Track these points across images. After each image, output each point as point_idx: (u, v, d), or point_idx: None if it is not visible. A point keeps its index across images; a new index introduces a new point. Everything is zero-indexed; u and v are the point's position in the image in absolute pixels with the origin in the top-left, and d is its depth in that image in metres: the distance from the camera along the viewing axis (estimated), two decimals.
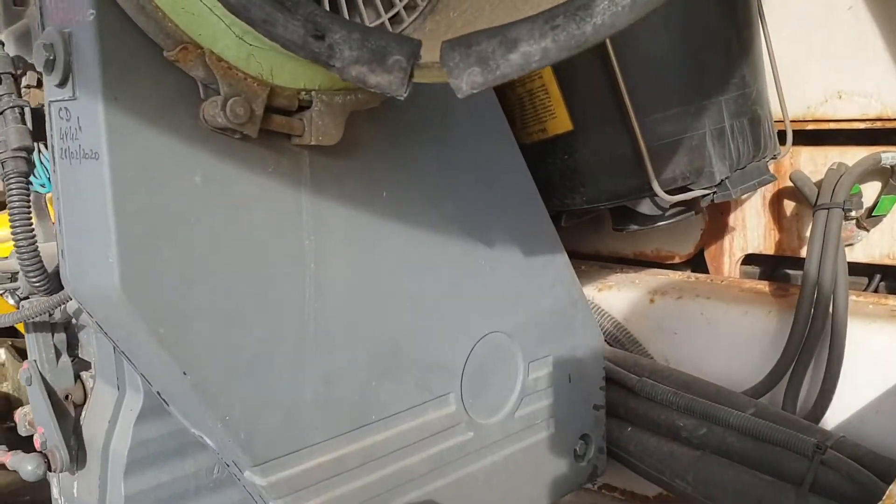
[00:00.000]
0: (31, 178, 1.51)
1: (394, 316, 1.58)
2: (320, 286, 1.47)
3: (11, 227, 1.30)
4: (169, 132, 1.28)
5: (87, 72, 1.23)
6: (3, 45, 1.40)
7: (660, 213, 2.01)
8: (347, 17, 1.48)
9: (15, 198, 1.29)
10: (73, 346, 1.71)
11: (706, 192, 1.93)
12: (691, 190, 1.93)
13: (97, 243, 1.26)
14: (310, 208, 1.45)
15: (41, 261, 1.36)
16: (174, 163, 1.29)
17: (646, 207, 2.01)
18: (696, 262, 2.67)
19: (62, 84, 1.27)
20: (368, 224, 1.53)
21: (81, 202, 1.29)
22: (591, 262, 2.78)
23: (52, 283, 1.39)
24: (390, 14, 1.55)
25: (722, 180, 1.92)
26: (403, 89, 0.92)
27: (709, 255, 2.60)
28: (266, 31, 0.94)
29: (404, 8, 1.57)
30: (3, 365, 1.84)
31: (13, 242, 1.31)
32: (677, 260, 2.65)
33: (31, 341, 1.64)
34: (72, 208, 1.31)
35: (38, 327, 1.63)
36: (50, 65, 1.25)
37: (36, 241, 1.33)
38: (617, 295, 2.54)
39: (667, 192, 1.89)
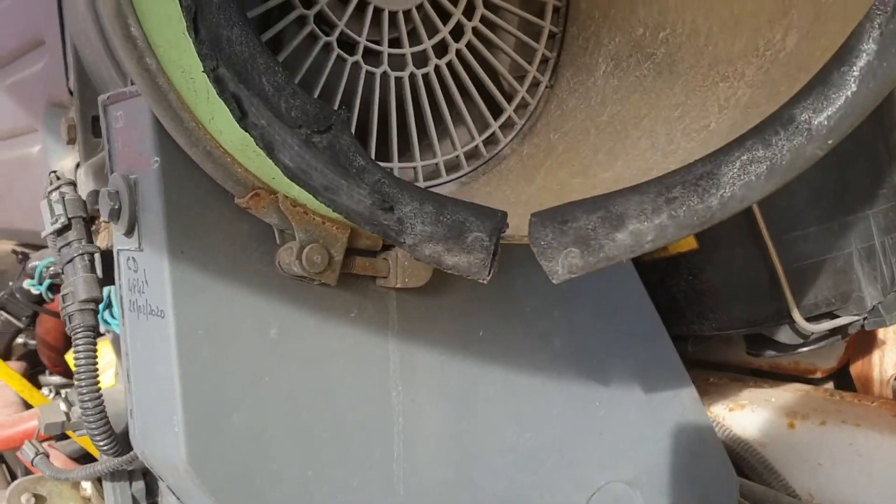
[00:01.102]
0: (109, 318, 1.43)
1: (494, 473, 1.40)
2: (410, 443, 1.30)
3: (77, 389, 1.20)
4: (240, 283, 1.16)
5: (152, 223, 1.13)
6: (76, 185, 1.33)
7: (801, 341, 1.77)
8: (436, 137, 1.35)
9: (81, 356, 1.19)
10: (152, 491, 1.59)
11: (855, 318, 1.67)
12: (838, 317, 1.68)
13: (164, 408, 1.14)
14: (397, 356, 1.30)
15: (108, 424, 1.26)
16: (247, 316, 1.16)
17: (785, 336, 1.76)
18: (841, 376, 2.37)
19: (129, 234, 1.17)
20: (464, 369, 1.36)
21: (149, 361, 1.18)
22: (719, 372, 2.51)
23: (121, 444, 1.28)
24: (485, 135, 1.41)
25: (874, 306, 1.66)
26: (486, 272, 0.76)
27: (855, 370, 2.29)
28: (328, 199, 0.80)
29: (500, 128, 1.43)
30: (90, 500, 1.73)
31: (79, 405, 1.21)
32: (819, 375, 2.35)
33: (109, 490, 1.53)
34: (140, 366, 1.21)
35: (115, 476, 1.52)
36: (115, 214, 1.16)
37: (103, 403, 1.23)
38: (751, 416, 2.26)
39: (809, 319, 1.65)
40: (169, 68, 1.05)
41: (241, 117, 0.84)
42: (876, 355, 2.24)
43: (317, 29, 1.23)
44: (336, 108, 1.24)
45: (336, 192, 0.80)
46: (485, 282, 0.77)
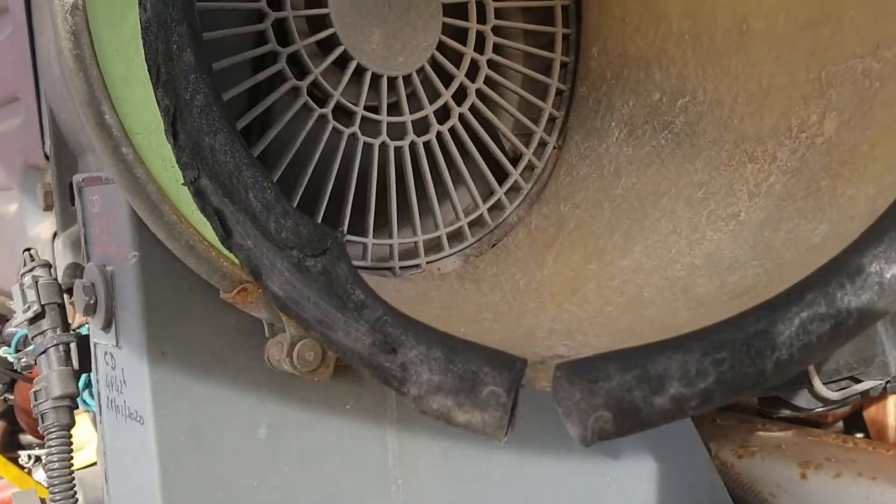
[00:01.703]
0: (88, 399, 1.33)
1: None
2: None
3: (50, 494, 1.10)
4: (226, 382, 1.07)
5: (130, 321, 1.03)
6: (51, 267, 1.23)
7: (819, 405, 1.68)
8: (437, 204, 1.26)
9: (55, 459, 1.09)
10: None
11: (877, 382, 1.59)
12: (859, 381, 1.60)
13: None
14: (396, 446, 1.20)
15: None
16: (233, 417, 1.07)
17: (802, 400, 1.68)
18: (852, 418, 2.29)
19: (105, 329, 1.08)
20: (468, 455, 1.27)
21: (128, 465, 1.08)
22: (727, 413, 2.43)
23: None
24: (490, 204, 1.32)
25: None
26: (503, 432, 0.66)
27: (868, 415, 2.21)
28: (322, 334, 0.71)
29: (506, 192, 1.34)
30: None
31: None
32: (830, 419, 2.27)
33: None
34: (118, 468, 1.11)
35: None
36: (91, 309, 1.06)
37: None
38: (761, 464, 2.17)
39: (828, 384, 1.57)
40: (147, 157, 0.95)
41: (225, 236, 0.75)
42: (891, 402, 2.16)
43: (311, 101, 1.14)
44: (332, 181, 1.17)
45: (331, 327, 0.71)
46: (501, 443, 0.67)
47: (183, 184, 0.76)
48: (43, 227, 1.43)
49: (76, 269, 1.29)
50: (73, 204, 1.35)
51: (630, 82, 1.25)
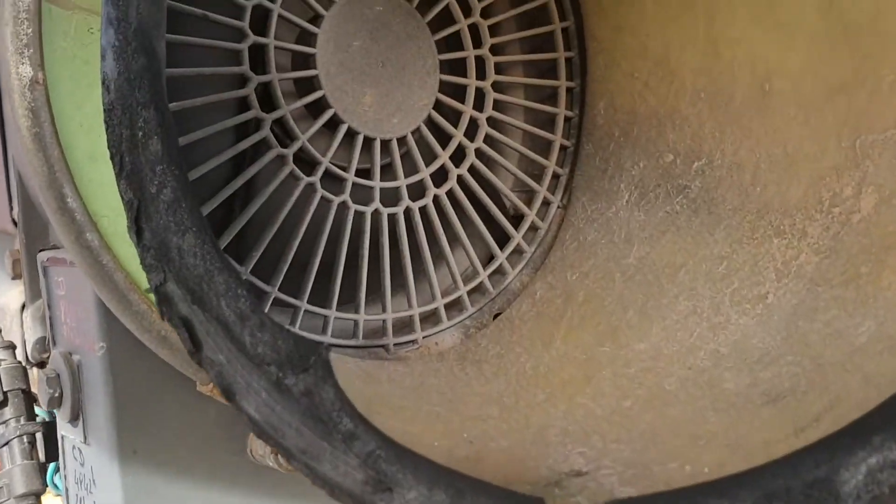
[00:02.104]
0: (59, 482, 1.23)
1: None
2: None
3: None
4: (205, 479, 0.97)
5: (98, 417, 0.94)
6: (15, 349, 1.14)
7: None
8: (434, 272, 1.17)
9: None
10: None
11: None
12: None
13: None
14: None
15: None
16: None
17: None
18: None
19: (73, 422, 0.98)
20: None
21: None
22: None
23: None
24: (491, 270, 1.23)
25: None
26: None
27: None
28: (307, 466, 0.61)
29: (508, 257, 1.25)
30: None
31: None
32: None
33: None
34: None
35: None
36: (56, 402, 0.97)
37: None
38: None
39: None
40: (114, 242, 0.87)
41: (194, 350, 0.65)
42: None
43: (297, 170, 1.05)
44: (320, 253, 1.08)
45: (316, 458, 0.61)
46: None
47: (147, 290, 0.67)
48: (11, 295, 1.34)
49: (45, 344, 1.20)
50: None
51: (640, 141, 1.16)
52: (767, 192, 0.99)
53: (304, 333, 1.03)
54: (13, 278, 1.31)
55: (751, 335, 0.88)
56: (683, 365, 0.90)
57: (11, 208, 1.28)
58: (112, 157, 0.71)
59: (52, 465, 1.17)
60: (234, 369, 0.65)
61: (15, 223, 1.28)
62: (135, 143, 0.70)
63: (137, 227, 0.69)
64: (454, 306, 1.21)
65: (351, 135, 1.10)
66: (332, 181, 1.10)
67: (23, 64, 0.83)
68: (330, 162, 1.08)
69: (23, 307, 1.29)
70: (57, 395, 0.96)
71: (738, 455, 0.64)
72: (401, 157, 1.15)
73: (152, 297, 0.87)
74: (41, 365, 1.22)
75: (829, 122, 0.94)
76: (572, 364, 0.99)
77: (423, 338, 1.14)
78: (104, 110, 0.72)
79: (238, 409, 0.65)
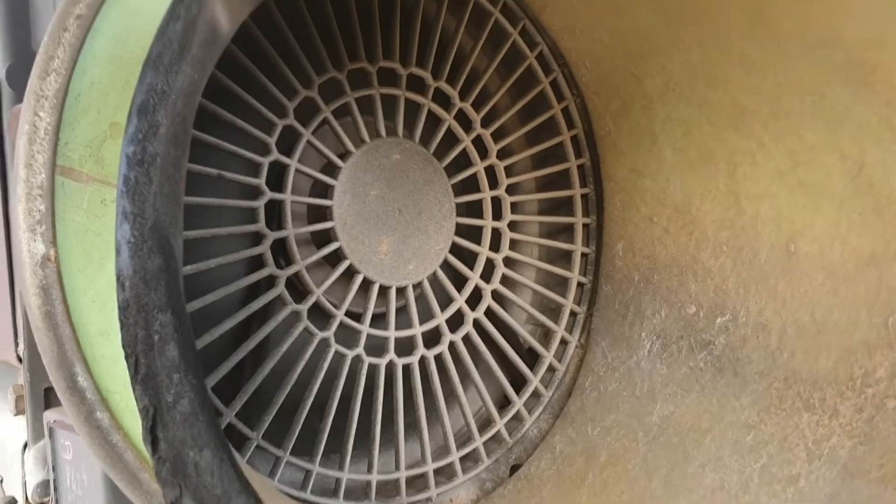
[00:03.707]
0: None
1: None
2: None
3: None
4: None
5: None
6: (16, 503, 1.10)
7: None
8: (448, 424, 1.13)
9: None
10: None
11: None
12: None
13: None
14: None
15: None
16: None
17: None
18: None
19: None
20: None
21: None
22: None
23: None
24: (508, 417, 1.20)
25: None
26: None
27: None
28: None
29: (525, 402, 1.22)
30: None
31: None
32: None
33: None
34: None
35: None
36: None
37: None
38: None
39: None
40: (125, 419, 0.84)
41: None
42: None
43: (312, 325, 1.02)
44: (333, 411, 1.05)
45: None
46: None
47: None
48: (14, 432, 1.31)
49: (47, 488, 1.17)
50: (48, 406, 1.24)
51: (661, 289, 1.14)
52: (795, 359, 0.97)
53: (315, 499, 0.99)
54: (16, 414, 1.28)
55: None
56: None
57: (17, 344, 1.26)
58: (127, 358, 0.69)
59: None
60: None
61: (20, 359, 1.25)
62: (150, 345, 0.68)
63: (153, 437, 0.67)
64: (469, 457, 1.17)
65: (366, 284, 1.08)
66: (346, 332, 1.07)
67: (35, 241, 0.81)
68: (343, 316, 1.05)
69: (24, 446, 1.26)
70: None
71: None
72: (415, 300, 1.13)
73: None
74: None
75: (859, 294, 0.92)
76: None
77: (438, 495, 1.11)
78: (119, 308, 0.70)
79: None
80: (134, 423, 0.85)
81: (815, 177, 0.99)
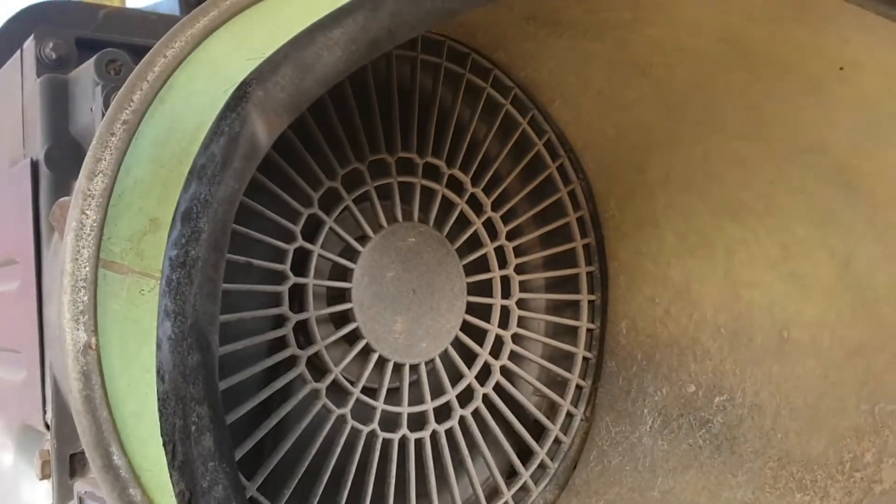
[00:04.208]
0: None
1: None
2: None
3: None
4: None
5: None
6: None
7: None
8: (457, 489, 1.18)
9: None
10: None
11: None
12: None
13: None
14: None
15: None
16: None
17: None
18: None
19: None
20: None
21: None
22: None
23: None
24: (515, 489, 1.25)
25: None
26: None
27: None
28: None
29: (532, 474, 1.27)
30: None
31: None
32: None
33: None
34: None
35: None
36: None
37: None
38: None
39: None
40: (156, 495, 0.89)
41: None
42: None
43: (329, 403, 1.08)
44: (349, 486, 1.10)
45: None
46: None
47: None
48: (38, 495, 1.35)
49: None
50: (72, 478, 1.28)
51: (663, 368, 1.20)
52: (788, 440, 1.02)
53: None
54: (41, 479, 1.33)
55: None
56: None
57: (45, 412, 1.31)
58: (165, 445, 0.75)
59: None
60: None
61: (47, 426, 1.31)
62: (187, 434, 0.74)
63: None
64: None
65: (381, 362, 1.14)
66: (361, 406, 1.13)
67: (77, 330, 0.87)
68: (359, 395, 1.11)
69: None
70: None
71: None
72: (427, 374, 1.19)
73: None
74: None
75: (848, 382, 0.97)
76: None
77: None
78: (158, 398, 0.76)
79: None
80: (164, 498, 0.90)
81: (806, 269, 1.05)
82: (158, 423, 0.89)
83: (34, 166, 1.40)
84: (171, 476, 0.73)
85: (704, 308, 1.17)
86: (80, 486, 1.04)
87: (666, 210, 1.22)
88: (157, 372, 0.75)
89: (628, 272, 1.29)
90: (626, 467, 1.17)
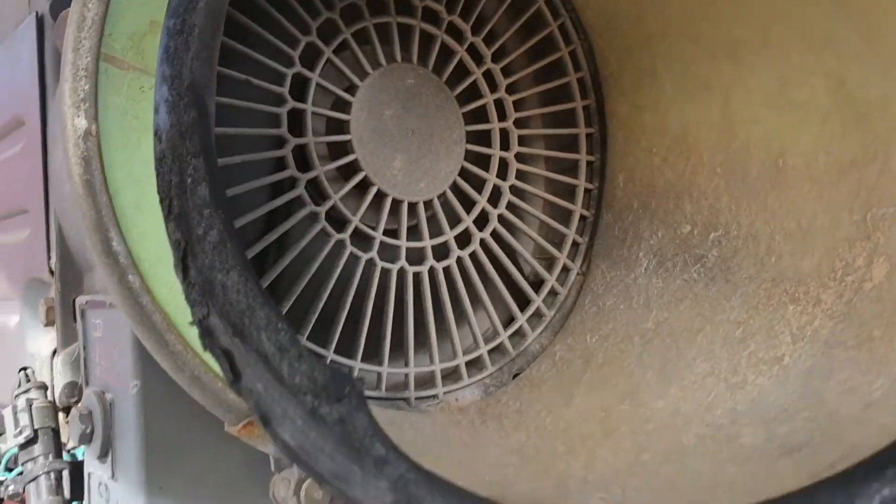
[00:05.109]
0: None
1: None
2: None
3: None
4: None
5: (128, 453, 0.97)
6: (47, 389, 1.16)
7: None
8: (456, 331, 1.20)
9: None
10: None
11: None
12: None
13: None
14: None
15: None
16: None
17: None
18: None
19: (101, 459, 1.01)
20: None
21: None
22: None
23: None
24: (511, 331, 1.26)
25: None
26: None
27: None
28: (338, 490, 0.64)
29: (528, 320, 1.28)
30: None
31: None
32: None
33: None
34: None
35: None
36: (86, 438, 1.00)
37: None
38: None
39: None
40: (154, 285, 0.91)
41: (234, 379, 0.69)
42: None
43: (329, 226, 1.10)
44: (348, 306, 1.12)
45: (347, 482, 0.64)
46: None
47: (191, 323, 0.71)
48: (43, 342, 1.38)
49: (74, 389, 1.23)
50: (76, 321, 1.30)
51: (659, 213, 1.21)
52: (782, 262, 1.03)
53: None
54: (46, 325, 1.35)
55: (767, 394, 0.90)
56: (702, 422, 0.92)
57: (49, 257, 1.33)
58: (161, 202, 0.76)
59: None
60: (272, 398, 0.68)
61: (52, 272, 1.33)
62: (183, 188, 0.75)
63: (184, 266, 0.73)
64: (474, 365, 1.23)
65: (380, 197, 1.15)
66: (361, 240, 1.14)
67: (78, 117, 0.89)
68: (359, 222, 1.12)
69: (54, 353, 1.33)
70: (88, 430, 0.98)
71: (756, 499, 0.66)
72: (427, 220, 1.20)
73: (188, 336, 0.91)
74: (67, 410, 1.24)
75: (841, 197, 0.98)
76: (591, 420, 1.01)
77: (444, 393, 1.17)
78: (155, 159, 0.77)
79: (273, 436, 0.68)
80: (161, 290, 0.92)
81: (803, 96, 1.05)
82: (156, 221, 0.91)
83: (39, 21, 1.41)
84: (167, 228, 0.74)
85: (701, 151, 1.17)
86: (81, 298, 1.06)
87: (664, 59, 1.22)
88: (155, 133, 0.76)
89: (627, 127, 1.30)
90: (621, 306, 1.18)
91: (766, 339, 0.98)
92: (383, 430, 0.65)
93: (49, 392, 1.19)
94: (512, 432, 1.02)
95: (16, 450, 1.43)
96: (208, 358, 0.92)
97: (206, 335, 0.71)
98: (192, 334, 0.91)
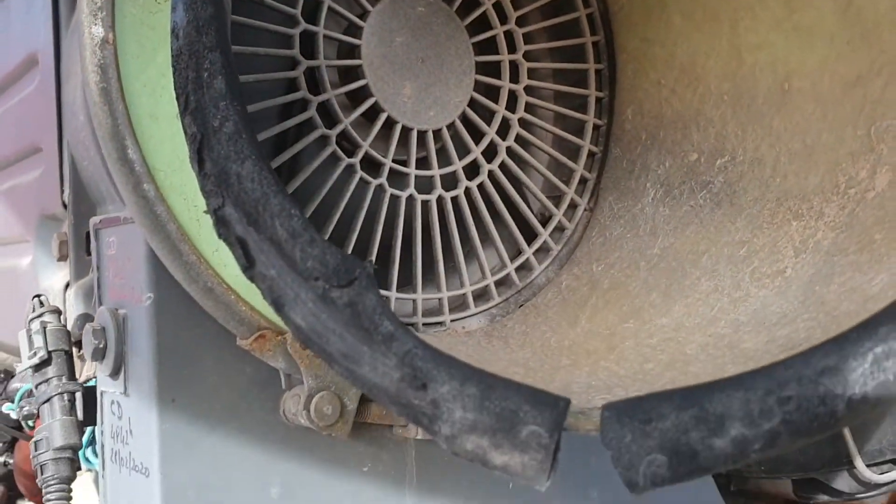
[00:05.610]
0: (91, 457, 1.26)
1: None
2: None
3: None
4: (238, 435, 1.01)
5: (140, 367, 0.99)
6: (60, 313, 1.19)
7: (861, 489, 1.58)
8: (463, 262, 1.21)
9: None
10: None
11: None
12: None
13: None
14: None
15: None
16: (245, 474, 1.01)
17: (843, 483, 1.58)
18: None
19: (114, 376, 1.03)
20: None
21: None
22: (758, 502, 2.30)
23: None
24: (517, 263, 1.28)
25: None
26: (545, 476, 0.60)
27: None
28: (346, 369, 0.66)
29: (535, 253, 1.30)
30: None
31: None
32: None
33: None
34: None
35: None
36: (100, 353, 1.02)
37: None
38: None
39: (872, 465, 1.47)
40: (169, 195, 0.93)
41: (248, 266, 0.70)
42: None
43: (339, 150, 1.11)
44: (357, 231, 1.14)
45: (357, 361, 0.66)
46: (542, 489, 0.61)
47: (205, 212, 0.72)
48: (56, 278, 1.40)
49: (87, 320, 1.25)
50: (89, 254, 1.32)
51: (666, 143, 1.22)
52: (787, 181, 1.04)
53: None
54: (59, 260, 1.37)
55: (769, 304, 0.91)
56: (704, 333, 0.94)
57: (62, 192, 1.35)
58: (178, 97, 0.77)
59: (85, 440, 1.21)
60: (284, 283, 0.69)
61: (65, 206, 1.35)
62: (200, 83, 0.76)
63: (199, 158, 0.75)
64: (481, 296, 1.25)
65: (389, 124, 1.16)
66: (371, 167, 1.16)
67: (95, 25, 0.91)
68: (369, 148, 1.14)
69: (66, 286, 1.35)
70: (101, 345, 1.00)
71: None
72: (436, 151, 1.21)
73: (202, 247, 0.93)
74: (79, 343, 1.26)
75: (845, 114, 0.99)
76: (596, 338, 1.02)
77: (451, 321, 1.19)
78: (172, 55, 0.79)
79: (286, 319, 0.70)
80: (176, 201, 0.94)
81: (809, 19, 1.06)
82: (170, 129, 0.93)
83: None
84: (182, 123, 0.75)
85: (709, 80, 1.18)
86: (93, 219, 1.08)
87: None
88: (172, 31, 0.77)
89: (636, 61, 1.30)
90: (627, 235, 1.19)
91: (769, 255, 0.99)
92: (391, 310, 0.67)
93: (62, 318, 1.22)
94: (517, 350, 1.04)
95: (28, 386, 1.46)
96: (221, 269, 0.94)
97: (221, 225, 0.72)
98: (206, 245, 0.93)
